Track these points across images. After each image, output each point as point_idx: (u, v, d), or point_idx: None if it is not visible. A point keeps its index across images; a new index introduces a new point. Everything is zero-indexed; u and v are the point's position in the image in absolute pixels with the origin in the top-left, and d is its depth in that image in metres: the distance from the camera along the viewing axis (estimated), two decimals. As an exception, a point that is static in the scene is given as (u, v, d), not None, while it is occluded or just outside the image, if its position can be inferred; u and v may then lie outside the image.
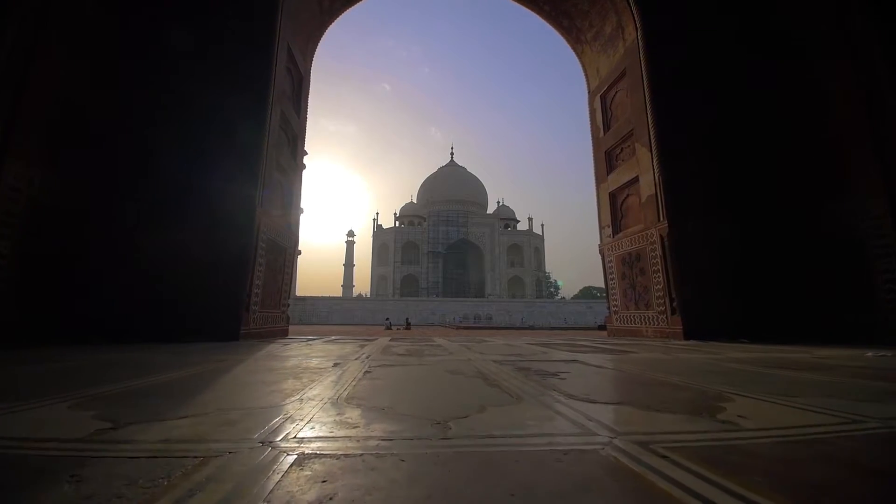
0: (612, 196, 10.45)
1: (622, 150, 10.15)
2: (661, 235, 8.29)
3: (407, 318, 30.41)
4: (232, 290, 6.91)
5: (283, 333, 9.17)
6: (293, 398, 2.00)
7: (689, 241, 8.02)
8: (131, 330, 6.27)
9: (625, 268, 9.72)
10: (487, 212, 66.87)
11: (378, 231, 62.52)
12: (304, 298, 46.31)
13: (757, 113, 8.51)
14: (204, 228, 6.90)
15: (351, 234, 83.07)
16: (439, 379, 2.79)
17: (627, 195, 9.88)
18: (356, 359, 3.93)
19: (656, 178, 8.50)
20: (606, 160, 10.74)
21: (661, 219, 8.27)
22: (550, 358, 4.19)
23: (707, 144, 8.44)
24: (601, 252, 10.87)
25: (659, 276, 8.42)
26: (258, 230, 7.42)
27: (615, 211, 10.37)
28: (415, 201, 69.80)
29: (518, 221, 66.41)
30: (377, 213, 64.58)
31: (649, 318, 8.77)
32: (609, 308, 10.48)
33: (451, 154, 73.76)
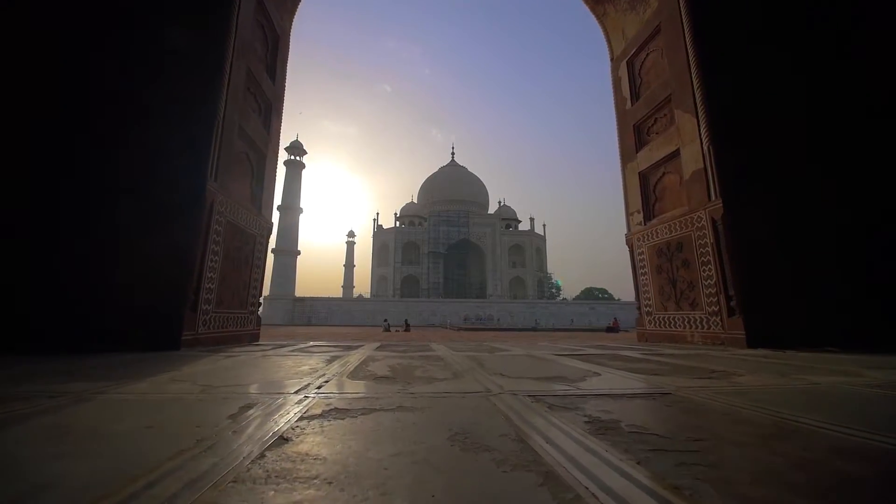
0: (643, 176, 8.87)
1: (656, 121, 8.58)
2: (712, 218, 6.71)
3: (406, 320, 28.94)
4: (170, 284, 5.33)
5: (253, 337, 7.59)
6: None
7: (749, 224, 6.42)
8: (32, 337, 4.76)
9: (661, 260, 8.13)
10: (488, 212, 65.44)
11: (378, 231, 61.12)
12: (302, 299, 44.91)
13: (846, 55, 6.91)
14: (131, 203, 5.33)
15: (351, 234, 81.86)
16: (433, 480, 1.19)
17: (664, 174, 8.30)
18: (298, 391, 2.35)
19: (705, 148, 6.93)
20: (635, 135, 9.16)
21: (714, 197, 6.69)
22: (620, 387, 2.60)
23: (769, 105, 6.84)
24: (629, 243, 9.28)
25: (709, 269, 6.83)
26: (210, 209, 5.85)
27: (647, 193, 8.78)
28: (415, 201, 68.45)
29: (520, 222, 64.90)
30: (377, 214, 63.32)
31: (696, 320, 7.18)
32: (640, 308, 8.87)
33: (452, 154, 72.44)
